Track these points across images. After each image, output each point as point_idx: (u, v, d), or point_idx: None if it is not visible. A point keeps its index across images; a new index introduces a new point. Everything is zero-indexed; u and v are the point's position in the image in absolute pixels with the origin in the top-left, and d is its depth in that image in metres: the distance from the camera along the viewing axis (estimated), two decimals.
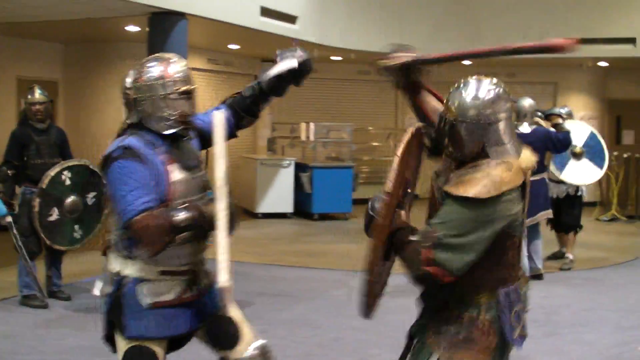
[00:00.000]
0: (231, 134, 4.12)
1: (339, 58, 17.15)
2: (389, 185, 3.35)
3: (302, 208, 15.68)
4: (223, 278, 3.45)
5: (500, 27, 15.20)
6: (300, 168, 15.74)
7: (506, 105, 3.42)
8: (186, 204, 3.66)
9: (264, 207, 15.71)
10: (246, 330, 4.02)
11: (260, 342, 4.08)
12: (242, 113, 4.20)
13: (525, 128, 9.00)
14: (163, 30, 10.78)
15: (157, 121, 3.76)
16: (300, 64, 4.12)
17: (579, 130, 10.47)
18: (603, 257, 11.81)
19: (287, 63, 4.05)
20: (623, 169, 16.57)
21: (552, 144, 9.07)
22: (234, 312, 3.97)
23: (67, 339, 7.02)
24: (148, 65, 3.81)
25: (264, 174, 15.68)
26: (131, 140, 3.71)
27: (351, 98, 18.80)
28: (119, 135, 3.84)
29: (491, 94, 3.39)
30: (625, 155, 16.62)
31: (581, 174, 10.37)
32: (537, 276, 9.47)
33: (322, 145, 16.34)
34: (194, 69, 13.82)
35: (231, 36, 14.21)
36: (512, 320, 3.44)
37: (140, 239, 3.53)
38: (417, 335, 3.63)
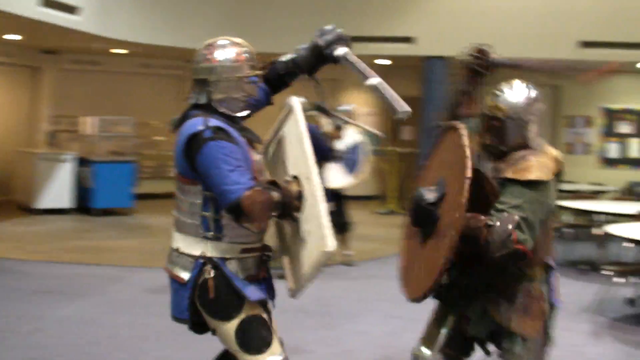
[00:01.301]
0: (267, 103, 4.25)
1: (122, 51, 16.87)
2: (468, 173, 3.72)
3: (84, 203, 15.35)
4: (330, 242, 3.50)
5: (280, 26, 15.35)
6: (81, 162, 15.43)
7: (540, 105, 4.14)
8: (273, 183, 3.78)
9: (42, 203, 15.23)
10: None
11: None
12: (274, 84, 4.22)
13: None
14: None
15: (229, 103, 3.84)
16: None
17: (349, 138, 10.48)
18: (378, 249, 12.19)
19: (337, 49, 3.93)
20: (401, 164, 17.17)
21: (318, 150, 8.95)
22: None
23: None
24: (221, 47, 3.86)
25: (43, 169, 15.21)
26: (215, 121, 3.73)
27: (134, 91, 18.49)
28: (184, 115, 3.84)
29: (532, 95, 4.10)
30: (402, 151, 17.22)
31: (333, 176, 10.14)
32: None
33: (103, 139, 15.93)
34: None
35: (9, 26, 13.69)
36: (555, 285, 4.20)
37: (251, 215, 3.58)
38: (470, 311, 4.13)
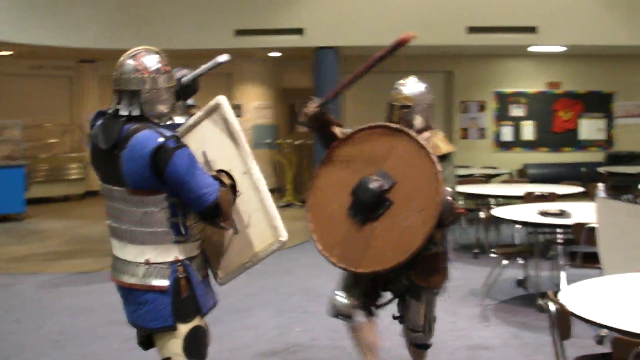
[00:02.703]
0: None
1: (8, 52, 16.44)
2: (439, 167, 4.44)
3: None
4: (284, 232, 3.92)
5: (173, 23, 15.15)
6: None
7: (431, 95, 5.04)
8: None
9: None
10: None
11: None
12: None
13: (179, 119, 8.60)
14: None
15: (158, 112, 3.87)
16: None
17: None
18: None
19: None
20: (296, 156, 17.14)
21: None
22: None
23: None
24: (147, 56, 3.87)
25: None
26: (165, 130, 3.78)
27: (23, 94, 18.03)
28: (121, 130, 3.78)
29: (427, 86, 5.02)
30: (297, 143, 17.18)
31: None
32: None
33: None
34: None
35: None
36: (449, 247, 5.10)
37: (226, 213, 3.78)
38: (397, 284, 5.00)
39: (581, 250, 7.33)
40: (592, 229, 6.86)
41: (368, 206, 4.49)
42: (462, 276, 9.26)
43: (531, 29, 15.24)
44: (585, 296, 4.40)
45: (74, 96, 18.89)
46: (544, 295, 7.70)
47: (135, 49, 3.90)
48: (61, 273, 10.11)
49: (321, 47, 15.40)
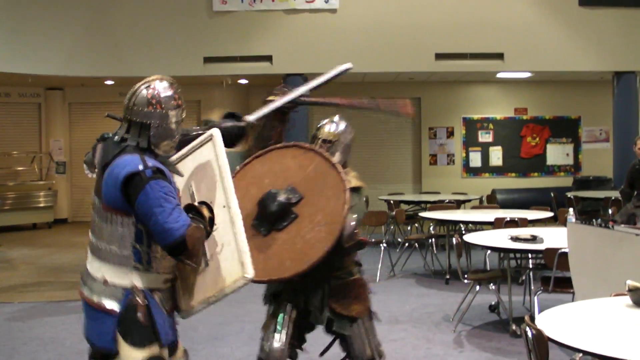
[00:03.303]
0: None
1: None
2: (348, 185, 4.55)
3: None
4: (251, 269, 3.86)
5: (142, 51, 15.14)
6: None
7: (352, 134, 5.19)
8: (190, 209, 3.88)
9: None
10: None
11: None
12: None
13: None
14: None
15: (166, 144, 3.91)
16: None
17: None
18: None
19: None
20: None
21: None
22: None
23: None
24: (162, 89, 3.86)
25: None
26: (152, 160, 3.78)
27: None
28: (119, 153, 3.82)
29: (348, 125, 5.15)
30: None
31: None
32: None
33: None
34: None
35: None
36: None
37: (192, 251, 3.73)
38: (310, 304, 4.98)
39: (553, 275, 7.36)
40: (564, 254, 6.91)
41: (273, 216, 4.51)
42: (435, 302, 9.30)
43: (498, 56, 15.41)
44: (561, 321, 4.43)
45: (43, 124, 18.80)
46: (517, 321, 7.74)
47: (150, 78, 3.89)
48: (31, 303, 10.00)
49: (289, 74, 15.46)
